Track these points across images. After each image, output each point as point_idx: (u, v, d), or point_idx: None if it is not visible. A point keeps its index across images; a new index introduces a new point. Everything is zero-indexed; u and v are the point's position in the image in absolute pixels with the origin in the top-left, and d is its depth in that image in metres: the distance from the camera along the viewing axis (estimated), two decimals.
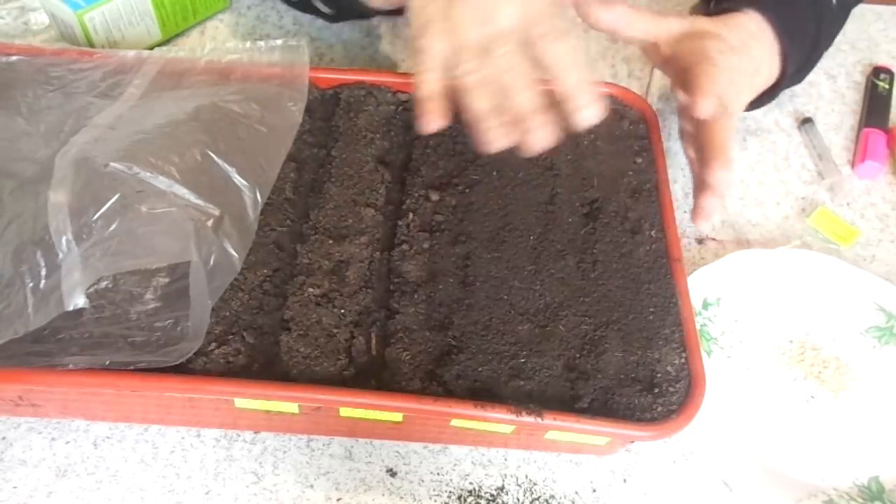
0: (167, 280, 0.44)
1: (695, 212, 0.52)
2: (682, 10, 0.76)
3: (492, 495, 0.47)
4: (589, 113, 0.43)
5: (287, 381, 0.42)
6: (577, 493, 0.47)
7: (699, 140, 0.53)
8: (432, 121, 0.43)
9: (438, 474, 0.48)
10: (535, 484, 0.48)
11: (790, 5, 0.57)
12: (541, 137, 0.42)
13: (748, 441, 0.50)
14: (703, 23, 0.55)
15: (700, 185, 0.53)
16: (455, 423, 0.43)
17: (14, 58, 0.55)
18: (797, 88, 0.68)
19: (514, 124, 0.42)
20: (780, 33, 0.55)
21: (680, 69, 0.54)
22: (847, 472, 0.49)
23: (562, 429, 0.42)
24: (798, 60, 0.57)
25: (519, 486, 0.48)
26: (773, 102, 0.62)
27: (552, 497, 0.47)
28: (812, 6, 0.58)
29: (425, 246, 0.49)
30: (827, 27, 0.61)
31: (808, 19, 0.58)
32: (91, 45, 0.64)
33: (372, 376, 0.43)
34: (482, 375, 0.43)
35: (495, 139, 0.42)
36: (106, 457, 0.47)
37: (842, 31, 0.65)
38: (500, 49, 0.42)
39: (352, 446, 0.48)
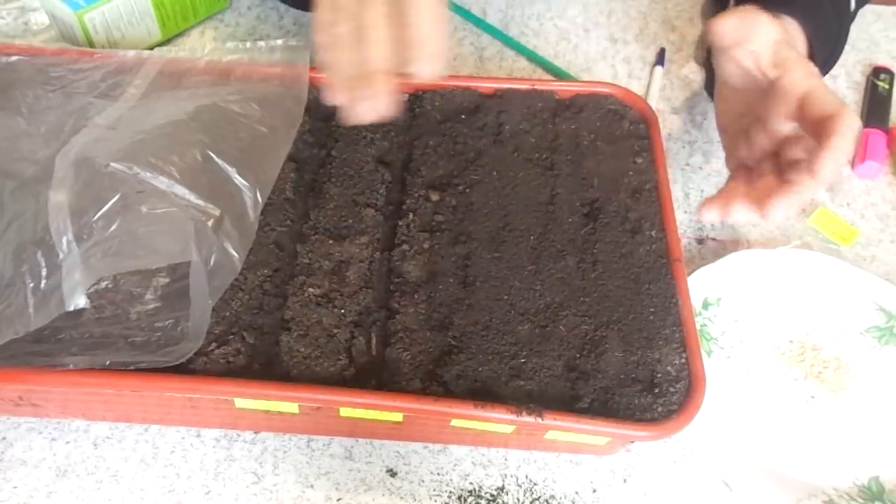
0: (167, 280, 0.44)
1: (774, 207, 0.48)
2: (690, 15, 0.77)
3: (492, 495, 0.47)
4: (426, 66, 0.39)
5: (287, 381, 0.42)
6: (577, 493, 0.47)
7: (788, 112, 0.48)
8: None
9: (438, 474, 0.48)
10: (535, 484, 0.48)
11: (819, 10, 0.56)
12: (374, 103, 0.39)
13: (748, 441, 0.50)
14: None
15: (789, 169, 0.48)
16: (455, 423, 0.43)
17: (14, 58, 0.55)
18: None
19: (360, 80, 0.40)
20: (810, 41, 0.54)
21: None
22: (847, 472, 0.49)
23: (562, 429, 0.42)
24: (819, 67, 0.57)
25: (519, 486, 0.48)
26: None
27: (552, 497, 0.47)
28: (835, 11, 0.58)
29: (425, 246, 0.49)
30: (846, 32, 0.61)
31: (832, 25, 0.57)
32: (91, 45, 0.64)
33: (372, 376, 0.43)
34: (482, 375, 0.43)
35: (335, 94, 0.40)
36: (106, 457, 0.47)
37: None
38: (372, 4, 0.39)
39: (352, 446, 0.48)
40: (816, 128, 0.46)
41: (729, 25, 0.50)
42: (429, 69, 0.39)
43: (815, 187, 0.47)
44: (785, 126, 0.49)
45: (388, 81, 0.39)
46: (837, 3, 0.58)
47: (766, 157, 0.51)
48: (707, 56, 0.61)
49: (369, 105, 0.39)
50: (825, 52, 0.57)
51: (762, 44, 0.50)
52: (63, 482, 0.46)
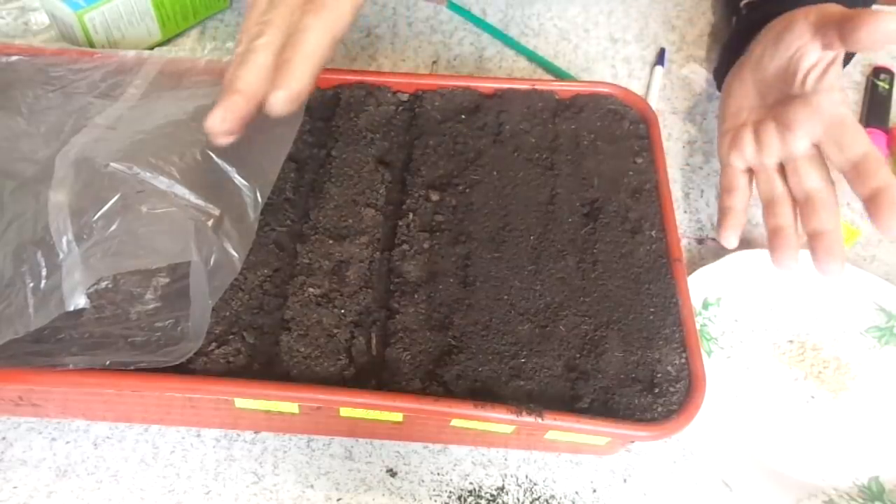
0: (167, 280, 0.44)
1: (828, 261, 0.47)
2: (690, 15, 0.77)
3: (492, 495, 0.47)
4: (275, 99, 0.39)
5: (287, 381, 0.42)
6: (577, 493, 0.47)
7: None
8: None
9: (438, 474, 0.48)
10: (535, 484, 0.48)
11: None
12: (217, 116, 0.40)
13: (748, 441, 0.50)
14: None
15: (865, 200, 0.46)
16: (455, 423, 0.43)
17: (14, 58, 0.55)
18: None
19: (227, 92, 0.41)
20: None
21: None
22: (847, 472, 0.49)
23: (562, 429, 0.42)
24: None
25: (519, 486, 0.48)
26: None
27: (552, 497, 0.47)
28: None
29: (425, 246, 0.49)
30: None
31: None
32: (91, 45, 0.64)
33: (372, 376, 0.43)
34: (482, 375, 0.43)
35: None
36: (106, 457, 0.47)
37: None
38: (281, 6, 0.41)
39: (352, 446, 0.48)
40: (848, 166, 0.46)
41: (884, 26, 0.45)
42: (278, 106, 0.39)
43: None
44: (804, 143, 0.49)
45: (244, 103, 0.40)
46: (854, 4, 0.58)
47: (772, 171, 0.51)
48: (731, 38, 0.61)
49: (217, 116, 0.40)
50: None
51: (824, 56, 0.49)
52: (63, 482, 0.46)
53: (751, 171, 0.53)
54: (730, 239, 0.52)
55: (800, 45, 0.50)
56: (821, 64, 0.49)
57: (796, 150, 0.49)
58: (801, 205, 0.49)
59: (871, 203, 0.45)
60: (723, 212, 0.53)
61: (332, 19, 0.41)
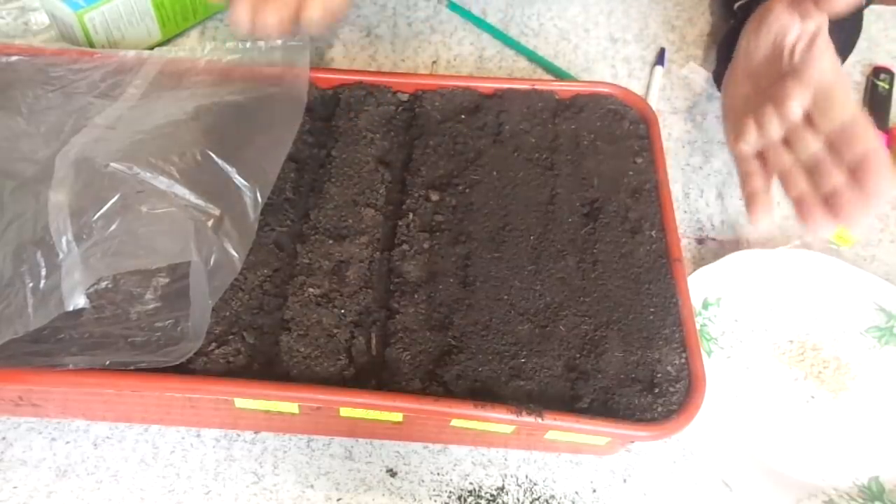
0: (167, 280, 0.44)
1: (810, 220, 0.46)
2: (690, 15, 0.77)
3: (492, 495, 0.47)
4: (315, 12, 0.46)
5: (287, 381, 0.42)
6: (577, 493, 0.47)
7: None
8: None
9: (438, 474, 0.48)
10: (535, 484, 0.48)
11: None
12: (272, 21, 0.46)
13: (748, 441, 0.50)
14: None
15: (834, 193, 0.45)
16: (455, 423, 0.43)
17: (14, 58, 0.55)
18: None
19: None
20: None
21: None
22: (847, 472, 0.49)
23: (562, 429, 0.42)
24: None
25: (519, 486, 0.48)
26: None
27: (552, 497, 0.47)
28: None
29: (425, 246, 0.49)
30: (860, 22, 0.60)
31: (845, 24, 0.57)
32: (91, 45, 0.64)
33: (372, 376, 0.43)
34: (482, 375, 0.43)
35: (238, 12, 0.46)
36: (106, 457, 0.47)
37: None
38: None
39: (352, 446, 0.48)
40: (833, 133, 0.45)
41: None
42: (315, 15, 0.45)
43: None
44: (797, 112, 0.48)
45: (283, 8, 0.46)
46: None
47: (777, 145, 0.51)
48: (724, 38, 0.61)
49: (271, 21, 0.46)
50: (840, 39, 0.57)
51: (805, 28, 0.50)
52: (63, 482, 0.46)
53: (762, 155, 0.52)
54: (761, 222, 0.50)
55: (780, 24, 0.50)
56: (804, 36, 0.49)
57: (793, 119, 0.49)
58: (811, 173, 0.48)
59: (859, 170, 0.44)
60: (748, 199, 0.50)
61: None
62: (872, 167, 0.43)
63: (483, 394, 0.42)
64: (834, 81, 0.47)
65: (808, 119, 0.48)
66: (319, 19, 0.46)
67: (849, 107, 0.46)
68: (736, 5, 0.62)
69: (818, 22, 0.49)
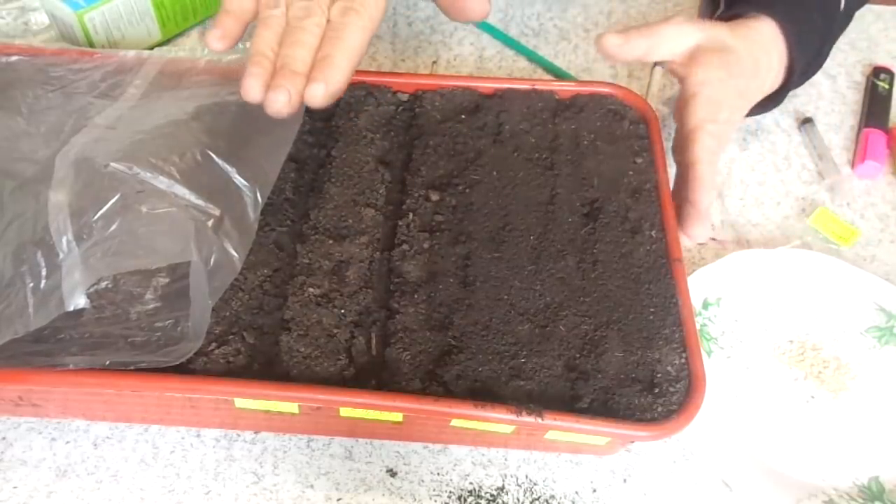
0: (167, 280, 0.44)
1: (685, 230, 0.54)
2: (689, 15, 0.77)
3: (492, 495, 0.47)
4: (315, 91, 0.41)
5: (287, 381, 0.42)
6: (577, 493, 0.47)
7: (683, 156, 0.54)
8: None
9: (438, 474, 0.48)
10: (535, 484, 0.48)
11: (803, 12, 0.56)
12: (282, 99, 0.40)
13: (748, 441, 0.50)
14: (721, 32, 0.54)
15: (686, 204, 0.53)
16: (455, 423, 0.43)
17: (14, 58, 0.55)
18: (797, 89, 0.68)
19: (276, 74, 0.41)
20: (791, 42, 0.54)
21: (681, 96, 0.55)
22: (847, 472, 0.49)
23: (562, 429, 0.42)
24: (802, 67, 0.57)
25: (519, 486, 0.48)
26: None
27: (552, 497, 0.47)
28: (822, 12, 0.57)
29: (425, 246, 0.49)
30: (834, 34, 0.60)
31: (816, 26, 0.57)
32: (91, 45, 0.64)
33: (372, 376, 0.43)
34: (482, 375, 0.43)
35: (250, 85, 0.42)
36: (106, 457, 0.47)
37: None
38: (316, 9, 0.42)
39: (352, 446, 0.48)
40: (683, 158, 0.54)
41: (611, 42, 0.53)
42: (316, 97, 0.41)
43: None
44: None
45: (301, 83, 0.41)
46: (826, 6, 0.58)
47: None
48: None
49: (282, 100, 0.41)
50: (807, 55, 0.57)
51: (673, 51, 0.54)
52: (63, 482, 0.46)
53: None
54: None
55: (666, 60, 0.56)
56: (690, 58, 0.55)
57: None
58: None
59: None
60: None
61: (370, 18, 0.42)
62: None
63: (483, 394, 0.42)
64: (702, 94, 0.53)
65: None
66: (322, 100, 0.41)
67: (700, 128, 0.53)
68: (715, 16, 0.62)
69: (683, 43, 0.54)
